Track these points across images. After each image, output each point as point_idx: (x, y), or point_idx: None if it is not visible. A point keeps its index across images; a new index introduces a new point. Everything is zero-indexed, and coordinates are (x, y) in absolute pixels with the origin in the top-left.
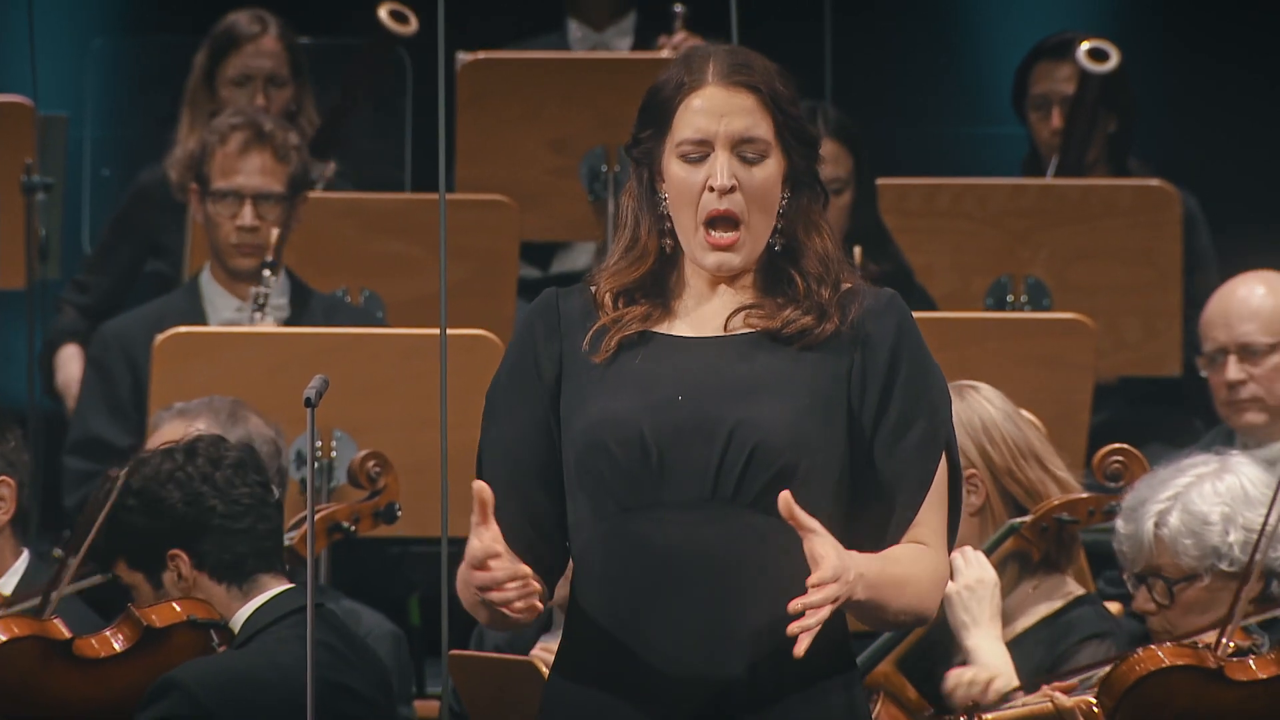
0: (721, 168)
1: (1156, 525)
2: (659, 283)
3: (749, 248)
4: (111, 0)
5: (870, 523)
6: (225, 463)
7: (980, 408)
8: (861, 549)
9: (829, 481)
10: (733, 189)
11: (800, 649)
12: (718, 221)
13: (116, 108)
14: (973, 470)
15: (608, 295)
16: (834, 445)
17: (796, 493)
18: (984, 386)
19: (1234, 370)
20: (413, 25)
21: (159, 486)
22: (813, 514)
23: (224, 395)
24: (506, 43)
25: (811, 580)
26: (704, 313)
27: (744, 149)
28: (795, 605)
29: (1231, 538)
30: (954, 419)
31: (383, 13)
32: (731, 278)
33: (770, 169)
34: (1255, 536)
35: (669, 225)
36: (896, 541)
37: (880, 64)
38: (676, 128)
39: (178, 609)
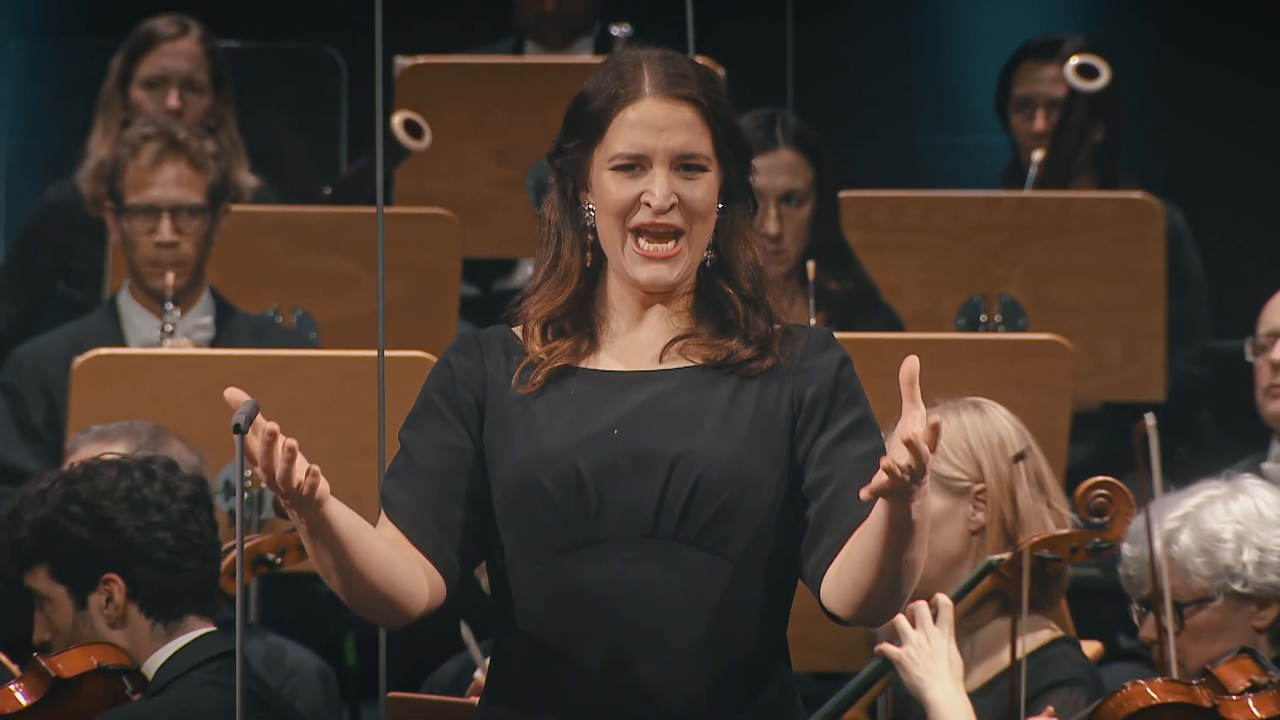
0: (661, 186)
1: (1166, 544)
2: (585, 307)
3: (686, 260)
4: (30, 0)
5: (824, 534)
6: (180, 494)
7: (999, 423)
8: (816, 567)
9: (772, 515)
10: (671, 207)
11: (867, 493)
12: (647, 229)
13: (34, 115)
14: (982, 485)
15: (535, 327)
16: (776, 478)
17: (740, 527)
18: (995, 404)
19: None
20: (426, 140)
21: (112, 503)
22: (754, 548)
23: (147, 420)
24: (453, 52)
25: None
26: (636, 342)
27: (684, 163)
28: (909, 433)
29: (1245, 557)
30: (970, 432)
31: (396, 120)
32: (664, 298)
33: (709, 182)
34: (1271, 557)
35: (591, 239)
36: (850, 533)
37: (845, 68)
38: (610, 141)
39: (86, 655)
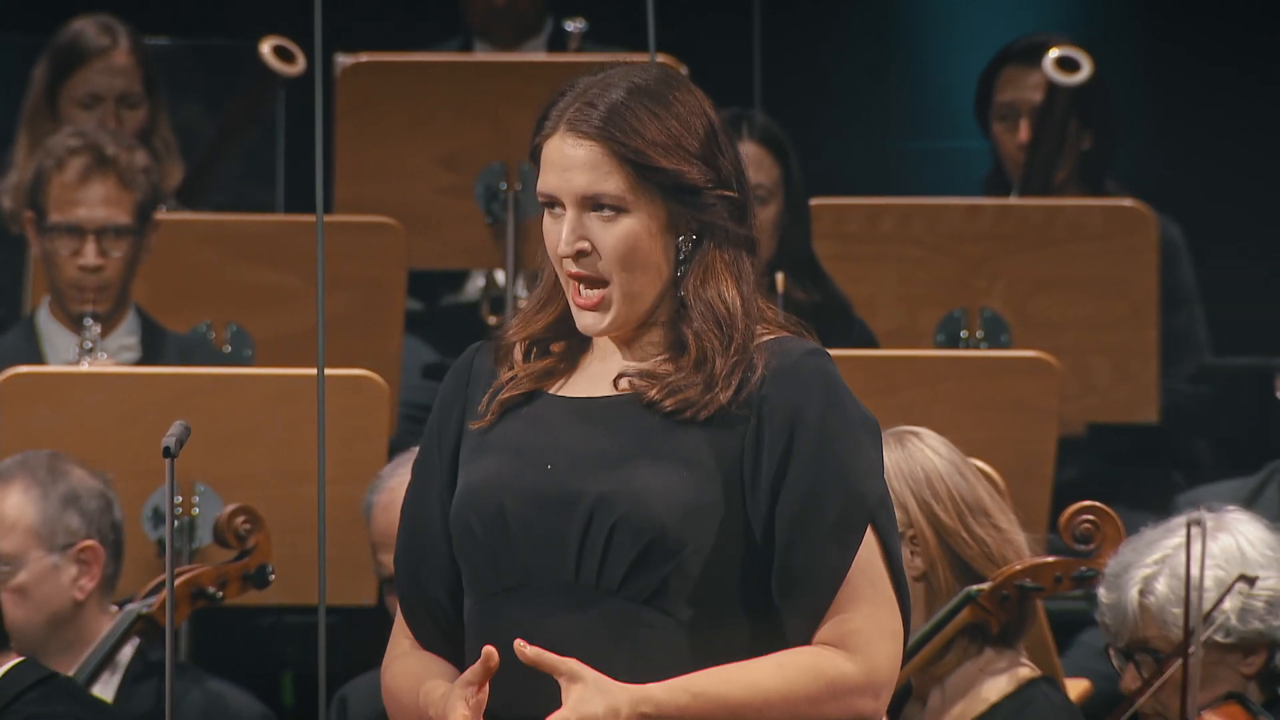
0: (565, 232)
1: (1142, 593)
2: (573, 328)
3: (619, 308)
4: None
5: (779, 625)
6: None
7: (922, 457)
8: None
9: (729, 566)
10: (579, 253)
11: None
12: (575, 278)
13: None
14: (913, 530)
15: (518, 346)
16: (725, 525)
17: (674, 577)
18: (926, 433)
19: None
20: (299, 64)
21: None
22: (693, 599)
23: (68, 444)
24: (398, 51)
25: None
26: (603, 369)
27: (593, 205)
28: None
29: (1227, 605)
30: (893, 471)
31: (265, 48)
32: (636, 331)
33: (629, 225)
34: (1255, 603)
35: None
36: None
37: (816, 67)
38: (540, 174)
39: None
